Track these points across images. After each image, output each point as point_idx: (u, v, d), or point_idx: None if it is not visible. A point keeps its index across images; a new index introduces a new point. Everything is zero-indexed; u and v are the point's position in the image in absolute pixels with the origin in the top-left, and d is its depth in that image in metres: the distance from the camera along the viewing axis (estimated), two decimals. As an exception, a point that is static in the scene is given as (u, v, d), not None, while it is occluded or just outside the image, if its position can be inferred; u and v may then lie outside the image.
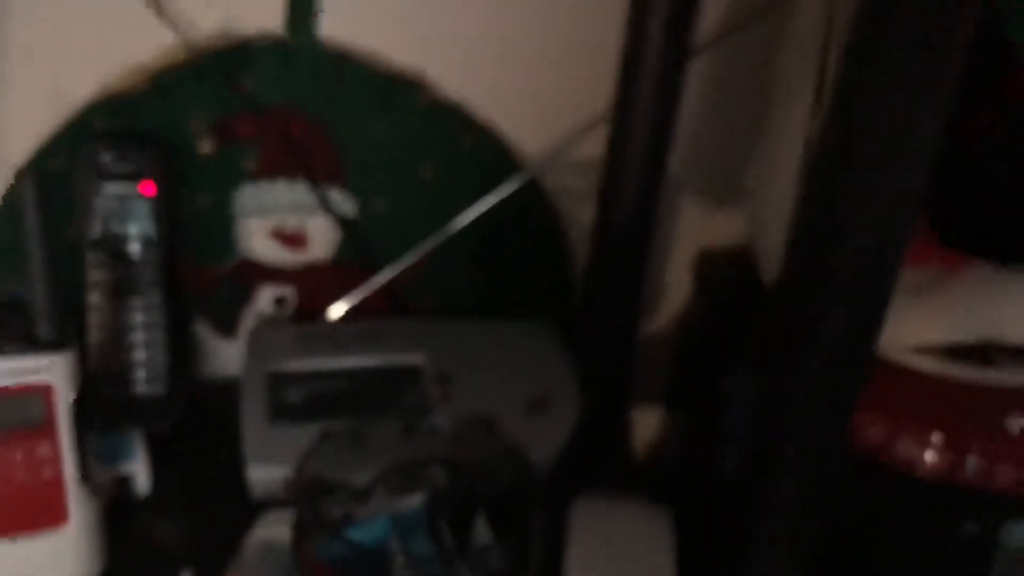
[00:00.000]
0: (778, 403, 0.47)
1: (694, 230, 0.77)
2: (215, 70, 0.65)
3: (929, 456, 0.58)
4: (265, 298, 0.74)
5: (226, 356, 0.74)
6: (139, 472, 0.62)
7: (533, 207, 0.73)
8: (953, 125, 0.50)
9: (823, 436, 0.47)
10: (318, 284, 0.74)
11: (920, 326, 0.61)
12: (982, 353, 0.63)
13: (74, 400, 0.52)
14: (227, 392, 0.67)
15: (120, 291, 0.65)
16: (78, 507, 0.54)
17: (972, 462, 0.57)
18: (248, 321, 0.74)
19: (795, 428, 0.47)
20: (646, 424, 0.85)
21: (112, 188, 0.64)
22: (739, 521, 0.51)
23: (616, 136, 0.67)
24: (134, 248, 0.65)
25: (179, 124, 0.67)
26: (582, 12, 0.68)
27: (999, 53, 0.46)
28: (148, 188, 0.64)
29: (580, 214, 0.74)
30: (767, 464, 0.48)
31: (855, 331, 0.44)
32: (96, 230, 0.64)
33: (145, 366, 0.65)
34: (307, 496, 0.52)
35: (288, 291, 0.74)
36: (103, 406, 0.63)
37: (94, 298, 0.64)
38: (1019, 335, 0.61)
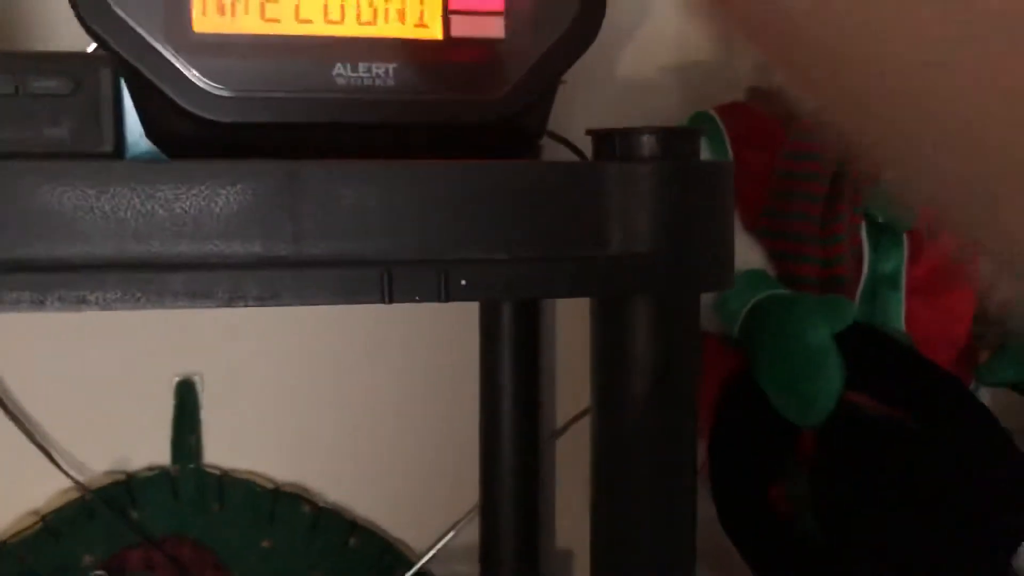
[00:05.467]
0: None
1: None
2: (105, 507, 0.69)
3: None
4: None
5: None
6: None
7: (425, 598, 0.75)
8: (762, 494, 0.54)
9: None
10: None
11: None
12: None
13: None
14: None
15: None
16: None
17: None
18: None
19: None
20: None
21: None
22: None
23: (486, 523, 0.70)
24: None
25: (71, 562, 0.69)
26: (441, 410, 0.74)
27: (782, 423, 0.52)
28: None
29: (474, 598, 0.75)
30: None
31: None
32: None
33: None
34: None
35: None
36: None
37: None
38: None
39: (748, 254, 0.55)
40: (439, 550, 0.75)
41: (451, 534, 0.75)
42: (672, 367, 0.39)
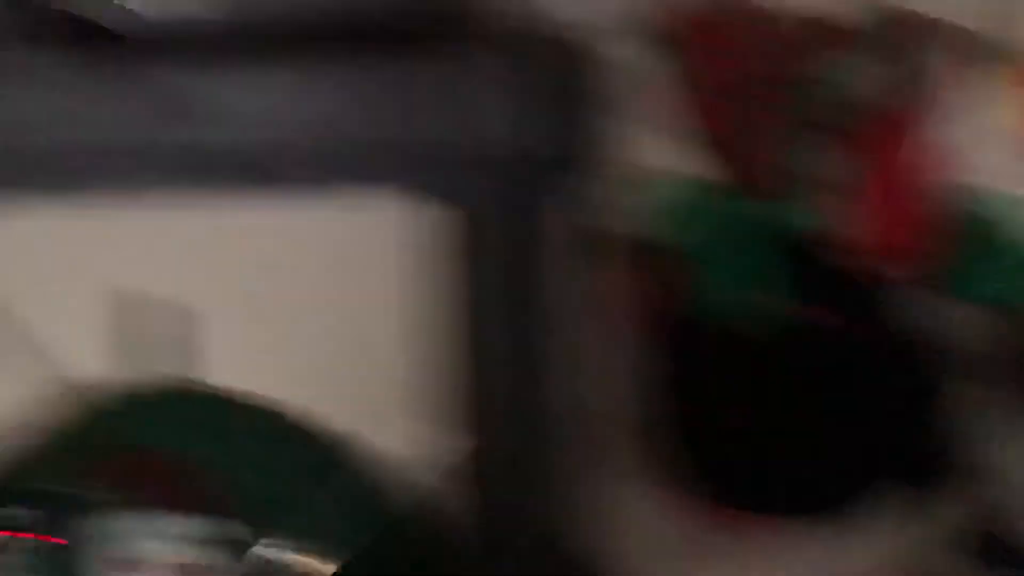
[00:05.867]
0: None
1: None
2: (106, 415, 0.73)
3: None
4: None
5: None
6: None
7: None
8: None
9: None
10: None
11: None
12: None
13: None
14: None
15: None
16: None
17: None
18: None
19: None
20: None
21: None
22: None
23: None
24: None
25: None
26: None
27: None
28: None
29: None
30: None
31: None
32: None
33: None
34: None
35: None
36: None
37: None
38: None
39: (696, 161, 0.55)
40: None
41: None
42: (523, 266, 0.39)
